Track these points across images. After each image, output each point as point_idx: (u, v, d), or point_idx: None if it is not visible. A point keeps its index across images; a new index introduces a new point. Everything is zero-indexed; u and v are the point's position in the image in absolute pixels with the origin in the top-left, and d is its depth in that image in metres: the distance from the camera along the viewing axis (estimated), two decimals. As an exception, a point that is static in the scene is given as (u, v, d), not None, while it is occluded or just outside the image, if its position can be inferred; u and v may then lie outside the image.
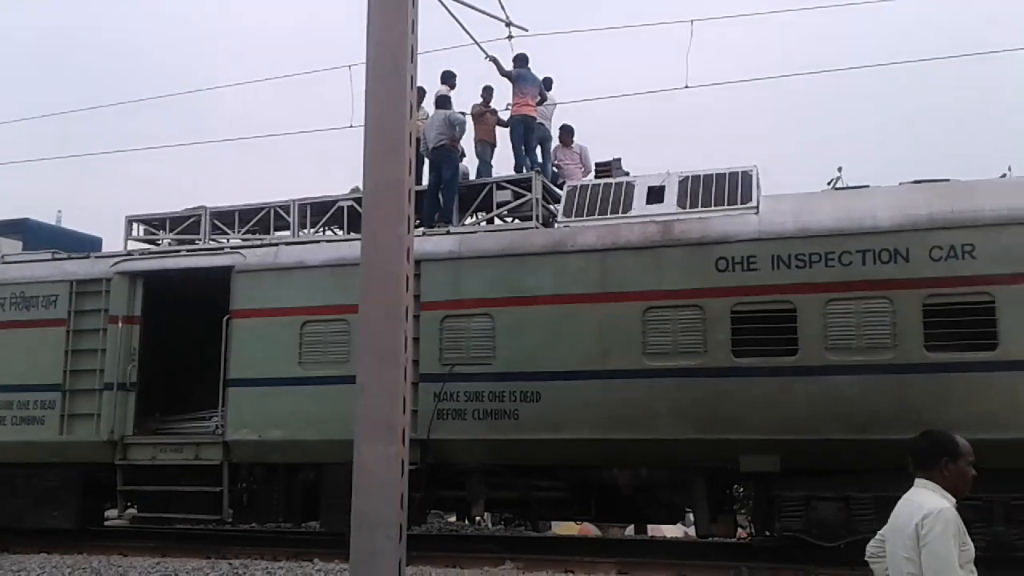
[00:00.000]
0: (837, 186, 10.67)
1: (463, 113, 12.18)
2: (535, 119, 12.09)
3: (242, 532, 12.52)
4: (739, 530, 10.62)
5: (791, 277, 9.06)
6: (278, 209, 12.34)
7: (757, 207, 9.57)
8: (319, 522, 10.96)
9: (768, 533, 9.39)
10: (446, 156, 11.60)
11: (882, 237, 8.85)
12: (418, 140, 11.18)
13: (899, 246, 8.76)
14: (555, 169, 12.25)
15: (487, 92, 12.45)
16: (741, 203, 9.69)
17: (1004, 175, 9.97)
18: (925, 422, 8.37)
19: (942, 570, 3.57)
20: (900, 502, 3.93)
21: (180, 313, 11.44)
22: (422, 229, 10.98)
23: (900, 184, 9.63)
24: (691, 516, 10.26)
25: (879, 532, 4.08)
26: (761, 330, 9.09)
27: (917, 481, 3.93)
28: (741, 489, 10.14)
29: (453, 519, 14.09)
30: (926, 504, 3.73)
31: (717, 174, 10.12)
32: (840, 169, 11.02)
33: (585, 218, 10.21)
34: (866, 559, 4.15)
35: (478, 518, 12.45)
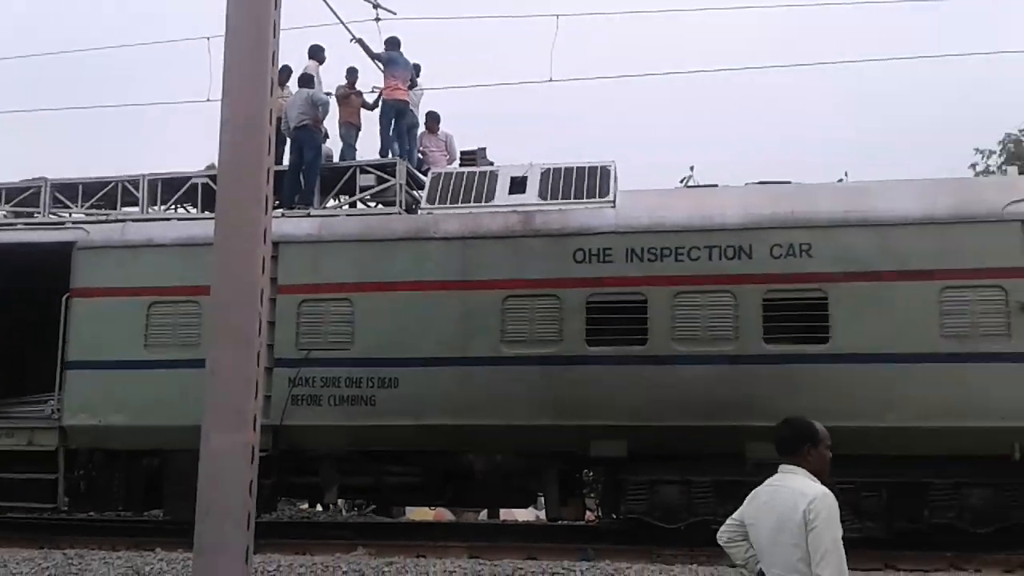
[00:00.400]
0: (689, 184, 11.12)
1: (328, 94, 11.94)
2: (407, 104, 12.00)
3: (79, 521, 11.87)
4: (587, 513, 10.97)
5: (643, 270, 9.42)
6: (126, 184, 11.72)
7: (614, 201, 9.87)
8: (163, 510, 10.54)
9: (615, 516, 9.75)
10: (308, 136, 11.33)
11: (728, 234, 9.32)
12: (279, 119, 10.88)
13: (743, 243, 9.25)
14: (420, 156, 12.20)
15: (352, 74, 12.24)
16: (599, 197, 9.97)
17: (840, 180, 10.69)
18: (763, 410, 8.96)
19: (831, 552, 3.63)
20: (766, 489, 3.98)
21: (16, 291, 10.70)
22: (281, 211, 10.71)
23: (746, 185, 10.17)
24: (543, 500, 10.52)
25: (733, 516, 4.12)
26: (614, 320, 9.40)
27: (783, 467, 4.00)
28: (591, 474, 10.47)
29: (305, 506, 13.86)
30: (807, 490, 3.79)
31: (578, 168, 10.37)
32: (692, 168, 11.51)
33: (448, 206, 10.24)
34: (722, 544, 4.18)
35: (331, 505, 12.31)
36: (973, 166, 23.25)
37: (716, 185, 10.43)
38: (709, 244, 9.34)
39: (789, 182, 10.10)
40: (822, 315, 9.05)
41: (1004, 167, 20.92)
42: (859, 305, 8.95)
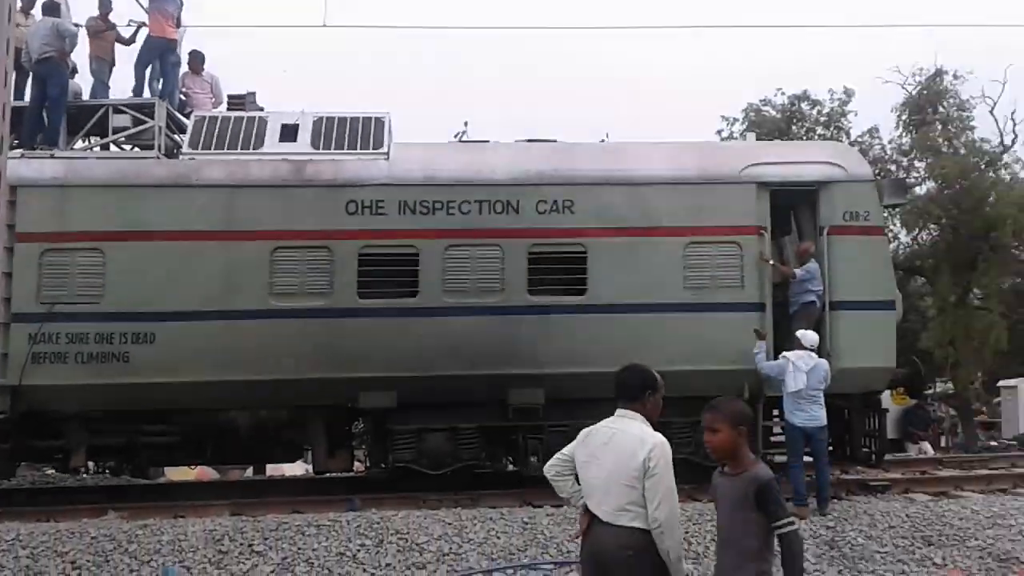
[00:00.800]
0: (462, 139, 11.26)
1: (77, 26, 10.90)
2: (176, 42, 11.22)
3: None
4: (357, 464, 11.01)
5: (416, 223, 9.48)
6: None
7: (388, 153, 9.82)
8: None
9: (383, 465, 9.86)
10: (53, 70, 10.29)
11: (497, 189, 9.57)
12: (19, 49, 9.85)
13: (511, 199, 9.54)
14: (182, 97, 11.47)
15: (105, 4, 11.24)
16: (373, 148, 9.88)
17: (602, 140, 11.26)
18: (526, 358, 9.37)
19: (668, 496, 3.85)
20: (603, 430, 4.09)
21: None
22: (21, 151, 9.73)
23: (516, 142, 10.46)
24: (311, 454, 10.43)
25: (563, 452, 4.24)
26: (386, 272, 9.42)
27: (620, 411, 4.11)
28: (361, 425, 10.51)
29: (52, 471, 12.86)
30: (647, 437, 3.93)
31: (351, 118, 10.20)
32: (466, 124, 11.68)
33: (213, 152, 9.77)
34: (549, 477, 4.32)
35: (82, 469, 11.52)
36: (719, 132, 25.29)
37: (488, 141, 10.63)
38: (479, 198, 9.54)
39: (555, 140, 10.50)
40: (581, 268, 9.54)
41: (744, 133, 22.88)
42: (614, 259, 9.51)
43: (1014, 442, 18.52)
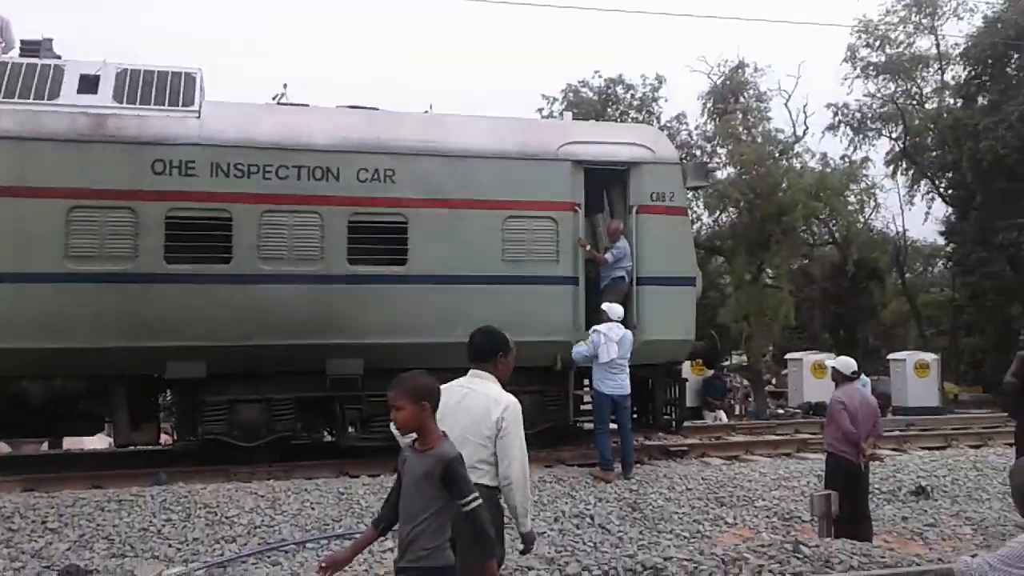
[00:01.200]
0: (281, 102, 10.91)
1: None
2: None
3: None
4: (165, 437, 10.53)
5: (229, 186, 9.11)
6: None
7: (199, 111, 9.36)
8: None
9: (192, 438, 9.49)
10: None
11: (317, 155, 9.35)
12: None
13: (331, 165, 9.36)
14: (-35, 39, 10.40)
15: None
16: (183, 105, 9.37)
17: (426, 111, 11.25)
18: (344, 328, 9.28)
19: (519, 454, 4.01)
20: (457, 390, 4.12)
21: None
22: None
23: (337, 107, 10.26)
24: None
25: None
26: (196, 237, 9.01)
27: (473, 372, 4.22)
28: (170, 396, 10.05)
29: None
30: (500, 397, 4.07)
31: (160, 71, 9.61)
32: (285, 86, 11.29)
33: (1, 100, 8.93)
34: (399, 436, 4.19)
35: None
36: (540, 110, 25.97)
37: (308, 105, 10.35)
38: (298, 164, 9.29)
39: (377, 108, 10.38)
40: (402, 238, 9.54)
41: (563, 113, 23.59)
42: (435, 230, 9.57)
43: (799, 410, 20.21)
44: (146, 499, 7.56)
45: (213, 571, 6.13)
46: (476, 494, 3.48)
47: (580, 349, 9.28)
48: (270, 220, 9.21)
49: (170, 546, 6.80)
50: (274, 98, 11.10)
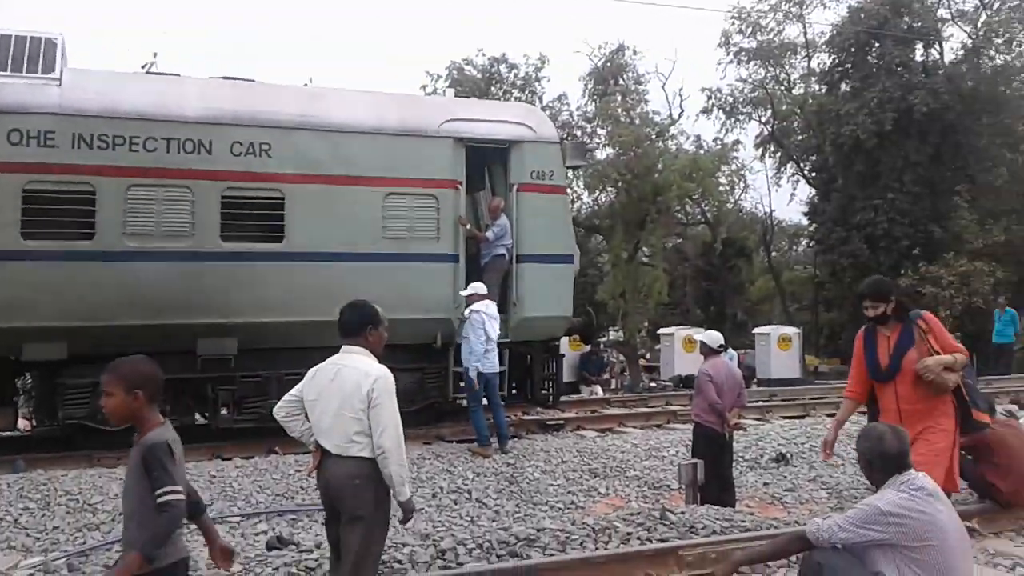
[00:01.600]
0: (150, 71, 10.43)
1: None
2: None
3: None
4: (23, 422, 9.99)
5: (92, 158, 8.68)
6: None
7: (60, 79, 8.84)
8: None
9: (53, 423, 9.04)
10: None
11: (188, 127, 9.01)
12: None
13: (203, 138, 9.03)
14: None
15: None
16: (43, 72, 8.84)
17: (306, 84, 10.99)
18: (216, 307, 9.02)
19: (391, 424, 4.01)
20: (329, 368, 4.15)
21: None
22: None
23: (210, 78, 9.88)
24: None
25: (292, 392, 4.26)
26: (56, 212, 8.55)
27: (345, 347, 4.21)
28: (29, 380, 9.53)
29: None
30: (370, 370, 4.07)
31: (17, 36, 9.02)
32: (155, 55, 10.80)
33: None
34: (279, 418, 4.29)
35: None
36: (423, 87, 25.72)
37: (179, 75, 9.93)
38: (167, 136, 8.93)
39: (253, 80, 10.07)
40: (279, 215, 9.32)
41: (445, 90, 23.45)
42: (313, 206, 9.39)
43: (670, 383, 20.91)
44: (2, 488, 7.19)
45: (74, 560, 5.88)
46: (175, 487, 3.13)
47: (475, 348, 9.01)
48: (137, 195, 8.83)
49: (28, 535, 6.50)
50: (143, 67, 10.59)
